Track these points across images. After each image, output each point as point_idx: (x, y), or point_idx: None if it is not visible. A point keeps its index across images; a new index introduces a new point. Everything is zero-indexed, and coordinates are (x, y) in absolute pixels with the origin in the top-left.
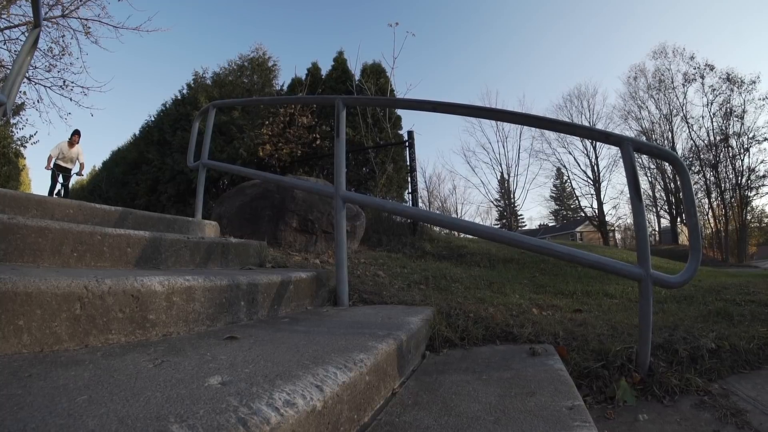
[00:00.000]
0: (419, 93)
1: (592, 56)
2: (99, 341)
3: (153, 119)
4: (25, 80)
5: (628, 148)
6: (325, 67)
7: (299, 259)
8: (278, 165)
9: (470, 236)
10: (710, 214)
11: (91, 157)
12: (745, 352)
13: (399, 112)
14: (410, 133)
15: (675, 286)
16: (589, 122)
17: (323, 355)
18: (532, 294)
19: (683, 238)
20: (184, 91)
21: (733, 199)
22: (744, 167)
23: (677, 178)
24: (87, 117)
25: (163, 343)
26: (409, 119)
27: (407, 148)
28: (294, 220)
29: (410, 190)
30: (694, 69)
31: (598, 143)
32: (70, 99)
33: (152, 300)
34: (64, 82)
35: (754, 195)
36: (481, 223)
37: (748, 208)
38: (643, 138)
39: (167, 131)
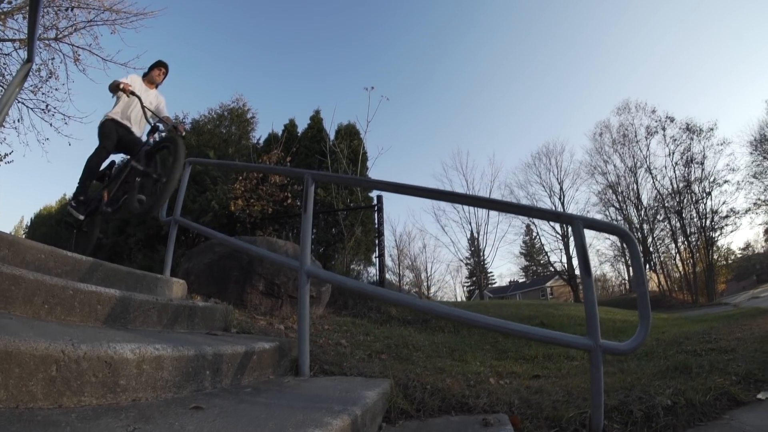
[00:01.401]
0: (390, 155)
1: (561, 115)
2: (72, 402)
3: None
4: None
5: (579, 226)
6: (302, 124)
7: (264, 323)
8: (249, 221)
9: (437, 302)
10: (678, 258)
11: (66, 186)
12: (702, 405)
13: (371, 174)
14: (379, 198)
15: (625, 353)
16: (557, 179)
17: (281, 429)
18: (493, 360)
19: (653, 284)
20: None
21: (699, 242)
22: (707, 210)
23: (627, 250)
24: (64, 145)
25: (132, 409)
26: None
27: (376, 212)
28: (261, 284)
29: (377, 255)
30: (656, 122)
31: (565, 200)
32: (51, 124)
33: (124, 366)
34: (47, 106)
35: (719, 235)
36: (441, 300)
37: (714, 248)
38: (609, 192)
39: None
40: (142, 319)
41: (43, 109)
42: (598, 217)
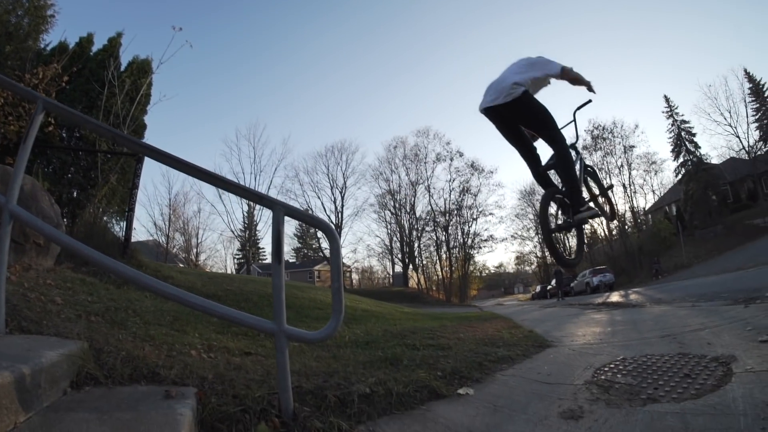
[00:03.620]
0: (176, 104)
1: (364, 119)
2: None
3: None
4: None
5: (280, 213)
6: (100, 43)
7: None
8: (2, 142)
9: (179, 268)
10: (439, 264)
11: None
12: (401, 396)
13: (147, 120)
14: None
15: (312, 341)
16: (344, 174)
17: None
18: (215, 333)
19: (413, 282)
20: None
21: (459, 254)
22: (471, 232)
23: (330, 244)
24: None
25: None
26: (155, 128)
27: (137, 162)
28: None
29: (128, 209)
30: (447, 152)
31: (345, 194)
32: None
33: None
34: None
35: (476, 252)
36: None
37: (471, 261)
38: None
39: None
40: None
41: None
42: (374, 216)
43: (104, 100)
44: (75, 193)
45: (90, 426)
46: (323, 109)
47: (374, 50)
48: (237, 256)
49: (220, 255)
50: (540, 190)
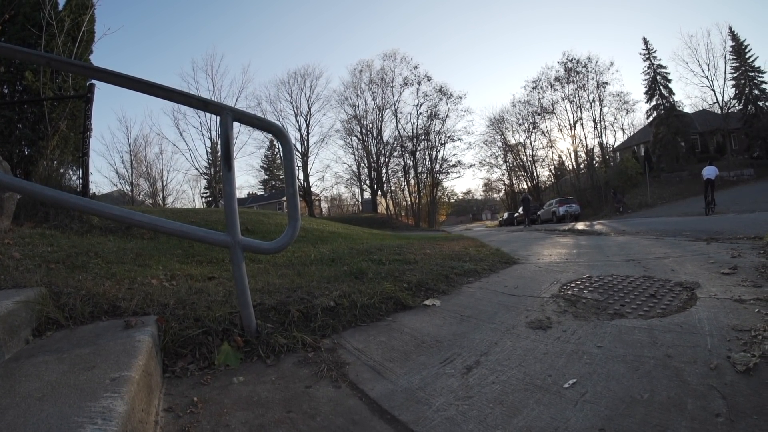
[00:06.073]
0: (125, 40)
1: (328, 44)
2: None
3: None
4: None
5: (228, 117)
6: None
7: None
8: None
9: (143, 207)
10: (407, 189)
11: None
12: (365, 307)
13: (94, 60)
14: (90, 87)
15: (269, 252)
16: (308, 101)
17: None
18: (178, 264)
19: (381, 208)
20: None
21: (427, 179)
22: (439, 157)
23: (282, 147)
24: None
25: None
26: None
27: (85, 104)
28: None
29: (82, 154)
30: (415, 76)
31: (310, 122)
32: None
33: None
34: None
35: (444, 178)
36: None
37: (439, 187)
38: (355, 119)
39: None
40: None
41: None
42: (341, 143)
43: (44, 44)
44: (26, 151)
45: (49, 366)
46: (285, 33)
47: None
48: (204, 195)
49: (187, 195)
50: None
